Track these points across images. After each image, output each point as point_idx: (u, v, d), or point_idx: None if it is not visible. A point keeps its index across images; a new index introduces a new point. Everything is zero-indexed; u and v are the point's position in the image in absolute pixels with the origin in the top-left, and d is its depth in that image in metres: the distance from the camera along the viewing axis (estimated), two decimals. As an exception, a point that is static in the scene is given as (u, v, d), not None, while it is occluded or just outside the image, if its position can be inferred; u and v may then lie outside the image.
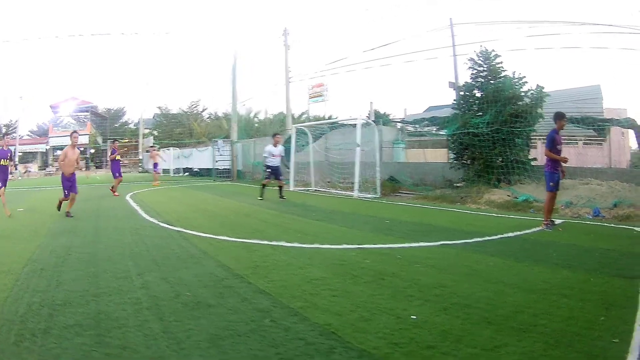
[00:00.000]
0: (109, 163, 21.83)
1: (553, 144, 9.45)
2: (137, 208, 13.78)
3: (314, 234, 8.96)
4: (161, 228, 9.88)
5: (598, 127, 16.10)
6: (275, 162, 16.46)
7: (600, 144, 20.28)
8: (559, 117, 9.63)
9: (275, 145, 16.58)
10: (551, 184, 9.46)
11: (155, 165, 28.31)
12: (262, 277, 5.64)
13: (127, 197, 17.39)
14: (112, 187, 19.67)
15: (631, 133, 16.02)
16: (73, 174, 11.89)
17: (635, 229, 9.43)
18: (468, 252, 7.20)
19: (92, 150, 67.50)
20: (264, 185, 16.58)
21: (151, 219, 11.20)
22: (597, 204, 12.04)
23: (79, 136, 12.73)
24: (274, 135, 17.77)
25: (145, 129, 69.37)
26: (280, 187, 16.70)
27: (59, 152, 70.40)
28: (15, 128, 69.20)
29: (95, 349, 3.52)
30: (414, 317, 4.22)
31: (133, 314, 4.31)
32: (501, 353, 3.45)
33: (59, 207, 12.43)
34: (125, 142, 68.76)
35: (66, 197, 11.88)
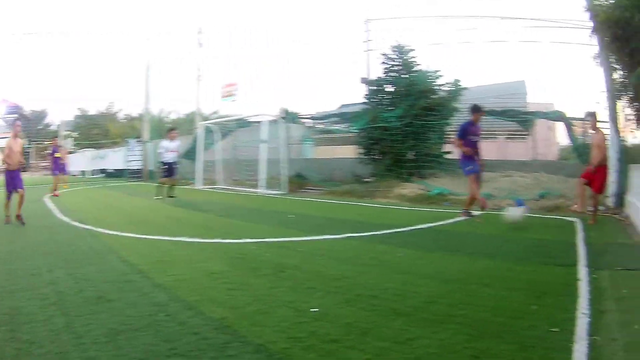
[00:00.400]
0: (50, 163, 20.08)
1: (464, 134, 9.40)
2: (53, 208, 13.30)
3: (216, 229, 9.01)
4: (72, 226, 9.71)
5: (521, 119, 16.33)
6: (170, 157, 15.92)
7: (524, 138, 20.66)
8: (474, 109, 9.66)
9: (171, 140, 16.12)
10: (468, 167, 9.35)
11: (63, 166, 26.42)
12: (161, 272, 5.51)
13: (45, 198, 16.61)
14: (55, 188, 18.36)
15: (560, 126, 16.35)
16: (17, 170, 10.60)
17: (566, 218, 9.45)
18: (374, 244, 7.05)
19: None
20: (161, 184, 16.10)
21: (64, 218, 10.97)
22: (521, 196, 12.00)
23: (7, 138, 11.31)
24: (170, 130, 17.28)
25: (66, 130, 66.98)
26: (173, 185, 16.13)
27: (-9, 155, 66.10)
28: None
29: (8, 344, 3.45)
30: (315, 309, 3.98)
31: (41, 309, 4.24)
32: (415, 346, 3.10)
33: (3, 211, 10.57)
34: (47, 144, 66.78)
35: (9, 198, 10.38)
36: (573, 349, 2.99)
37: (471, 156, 9.32)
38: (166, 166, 15.87)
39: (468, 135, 9.37)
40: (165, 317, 3.89)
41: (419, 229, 8.32)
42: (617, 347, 3.07)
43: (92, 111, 68.54)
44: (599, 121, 9.42)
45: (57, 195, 17.49)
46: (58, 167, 19.13)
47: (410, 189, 14.49)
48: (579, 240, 7.01)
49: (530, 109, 18.45)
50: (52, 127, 73.34)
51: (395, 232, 8.00)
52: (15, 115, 66.76)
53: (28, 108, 73.83)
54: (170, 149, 15.84)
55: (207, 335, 3.49)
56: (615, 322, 3.51)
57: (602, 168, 8.83)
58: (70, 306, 4.27)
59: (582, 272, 4.99)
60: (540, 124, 18.43)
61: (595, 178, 8.76)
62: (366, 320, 3.64)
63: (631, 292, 4.31)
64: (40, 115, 75.16)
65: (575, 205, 9.63)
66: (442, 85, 17.16)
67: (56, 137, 22.08)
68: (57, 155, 19.22)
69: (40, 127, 73.51)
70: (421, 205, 12.35)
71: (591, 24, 10.85)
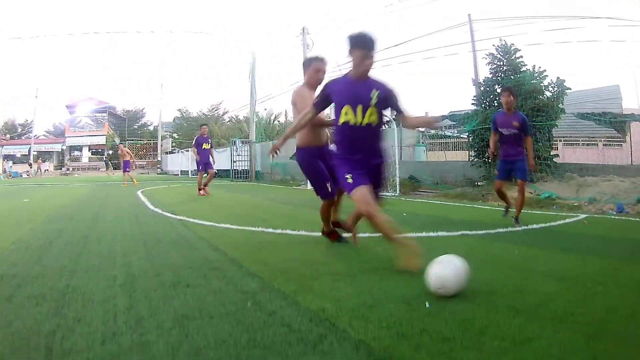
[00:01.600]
0: (196, 155, 16.42)
1: (494, 127, 8.31)
2: (145, 200, 13.40)
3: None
4: (163, 216, 9.44)
5: (618, 121, 15.35)
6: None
7: (620, 145, 19.48)
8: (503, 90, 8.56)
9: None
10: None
11: (126, 163, 25.23)
12: (257, 261, 4.95)
13: (138, 192, 17.11)
14: (201, 185, 16.06)
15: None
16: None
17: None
18: (490, 241, 6.67)
19: (110, 152, 67.50)
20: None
21: (155, 209, 10.74)
22: (621, 200, 11.50)
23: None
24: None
25: (165, 131, 69.73)
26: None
27: (77, 153, 71.04)
28: (30, 127, 70.22)
29: (49, 319, 3.10)
30: (428, 305, 3.42)
31: (103, 289, 3.86)
32: (535, 345, 2.78)
33: None
34: (144, 144, 69.95)
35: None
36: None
37: (501, 156, 8.50)
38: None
39: (498, 128, 8.21)
40: (252, 306, 3.39)
41: (531, 228, 7.93)
42: None
43: (194, 113, 70.04)
44: None
45: (207, 193, 15.69)
46: (208, 162, 16.19)
47: (521, 192, 13.93)
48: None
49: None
50: (149, 127, 76.68)
51: (509, 231, 7.64)
52: (104, 114, 70.32)
53: (121, 107, 77.17)
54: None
55: (299, 327, 2.97)
56: None
57: None
58: (139, 289, 3.86)
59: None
60: (634, 128, 17.42)
61: None
62: (483, 318, 3.17)
63: None
64: (135, 115, 78.31)
65: None
66: (547, 86, 16.31)
67: (204, 125, 18.58)
68: (205, 146, 16.15)
69: (136, 126, 76.79)
70: (532, 208, 11.72)
71: None
